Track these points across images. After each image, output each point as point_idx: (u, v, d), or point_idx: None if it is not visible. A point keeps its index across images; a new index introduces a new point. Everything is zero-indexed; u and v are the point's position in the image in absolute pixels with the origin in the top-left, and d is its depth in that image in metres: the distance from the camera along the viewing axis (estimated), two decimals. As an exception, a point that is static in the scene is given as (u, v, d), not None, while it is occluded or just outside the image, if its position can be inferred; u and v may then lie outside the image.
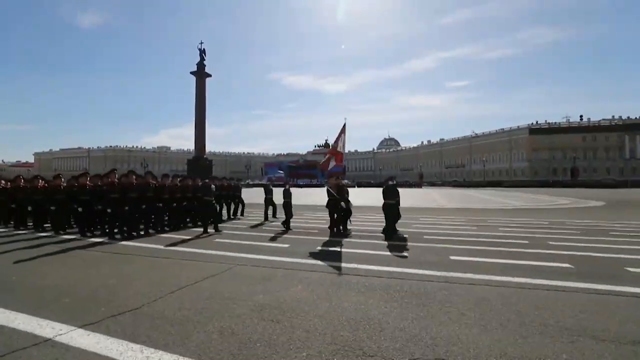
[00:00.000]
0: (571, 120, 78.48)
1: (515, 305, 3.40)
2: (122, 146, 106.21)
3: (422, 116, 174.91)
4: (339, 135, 8.80)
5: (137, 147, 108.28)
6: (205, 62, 28.43)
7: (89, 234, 7.93)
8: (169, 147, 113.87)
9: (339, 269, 4.89)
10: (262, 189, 12.21)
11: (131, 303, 3.44)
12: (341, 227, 8.41)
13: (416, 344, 2.60)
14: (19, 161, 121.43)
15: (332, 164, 8.75)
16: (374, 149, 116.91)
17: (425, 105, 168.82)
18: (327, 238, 7.58)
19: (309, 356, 2.42)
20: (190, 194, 9.52)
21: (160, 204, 8.73)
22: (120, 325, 2.93)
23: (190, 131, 29.42)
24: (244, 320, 3.04)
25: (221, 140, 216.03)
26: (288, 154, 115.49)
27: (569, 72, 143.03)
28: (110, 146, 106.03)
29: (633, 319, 3.06)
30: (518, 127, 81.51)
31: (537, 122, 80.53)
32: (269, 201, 11.63)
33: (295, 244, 6.85)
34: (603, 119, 75.84)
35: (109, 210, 7.78)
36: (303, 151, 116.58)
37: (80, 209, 8.21)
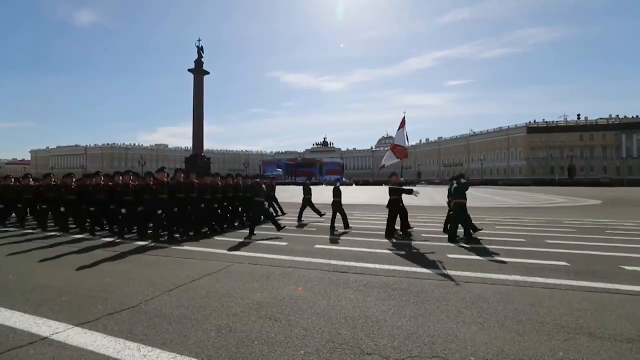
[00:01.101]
0: (569, 119, 78.82)
1: (512, 303, 3.41)
2: (119, 144, 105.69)
3: (420, 115, 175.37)
4: (400, 130, 8.69)
5: (134, 144, 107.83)
6: (203, 60, 28.35)
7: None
8: (167, 145, 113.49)
9: (337, 267, 4.90)
10: (301, 188, 11.14)
11: (128, 301, 3.43)
12: (399, 229, 7.84)
13: (414, 342, 2.61)
14: (15, 159, 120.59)
15: (393, 160, 8.60)
16: (372, 148, 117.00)
17: (423, 104, 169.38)
18: (410, 241, 6.99)
19: (307, 354, 2.42)
20: (231, 194, 8.92)
21: (202, 204, 7.98)
22: (118, 323, 2.92)
23: (187, 129, 29.55)
24: (241, 318, 3.04)
25: (219, 139, 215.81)
26: (286, 152, 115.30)
27: (566, 71, 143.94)
28: (108, 144, 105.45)
29: (628, 317, 3.08)
30: (516, 125, 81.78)
31: (534, 121, 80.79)
32: (307, 201, 10.73)
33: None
34: (600, 118, 76.20)
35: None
36: (301, 149, 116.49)
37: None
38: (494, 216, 12.07)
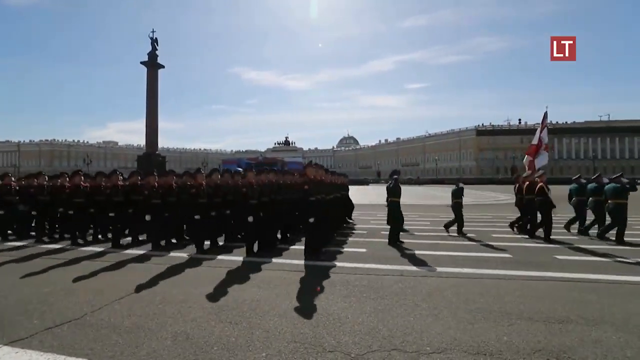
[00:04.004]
0: (512, 123, 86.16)
1: (464, 294, 3.65)
2: (60, 140, 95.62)
3: (381, 116, 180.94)
4: (541, 127, 8.75)
5: (79, 141, 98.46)
6: (157, 52, 26.79)
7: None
8: (117, 142, 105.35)
9: (300, 267, 4.89)
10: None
11: (71, 313, 3.13)
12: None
13: (374, 336, 2.69)
14: None
15: (544, 159, 8.62)
16: (333, 147, 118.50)
17: (384, 105, 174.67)
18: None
19: (268, 356, 2.39)
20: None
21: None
22: (57, 338, 2.66)
23: (141, 125, 27.49)
24: (200, 323, 2.92)
25: (176, 136, 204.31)
26: (247, 151, 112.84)
27: (512, 79, 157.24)
28: (46, 140, 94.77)
29: (559, 301, 3.45)
30: (467, 128, 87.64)
31: (483, 124, 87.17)
32: (457, 207, 9.96)
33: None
34: (537, 123, 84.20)
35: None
36: (263, 148, 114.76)
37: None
38: (448, 214, 12.81)
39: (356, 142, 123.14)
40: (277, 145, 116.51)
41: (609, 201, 6.95)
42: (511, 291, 3.78)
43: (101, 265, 4.96)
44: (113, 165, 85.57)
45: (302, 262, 5.13)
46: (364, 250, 6.07)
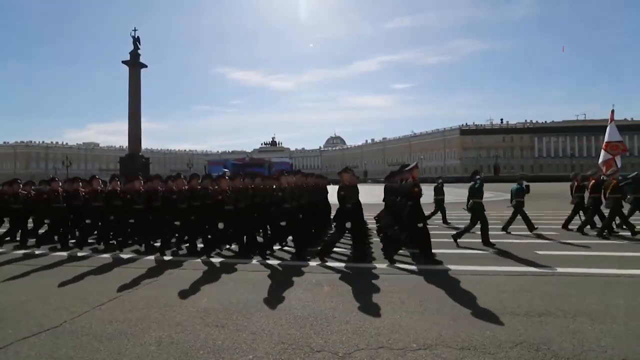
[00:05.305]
0: (494, 122, 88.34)
1: (449, 291, 3.72)
2: (37, 142, 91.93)
3: (368, 116, 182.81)
4: (610, 125, 8.63)
5: (57, 143, 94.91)
6: (139, 51, 26.19)
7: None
8: (98, 144, 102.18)
9: (288, 267, 4.87)
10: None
11: (49, 321, 3.02)
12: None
13: (361, 335, 2.71)
14: None
15: (608, 157, 8.52)
16: (320, 147, 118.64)
17: (370, 105, 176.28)
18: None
19: (255, 358, 2.37)
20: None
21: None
22: (34, 347, 2.56)
23: (124, 126, 26.84)
24: (185, 327, 2.87)
25: (161, 137, 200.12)
26: (233, 152, 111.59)
27: (494, 79, 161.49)
28: (22, 141, 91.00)
29: (539, 295, 3.56)
30: (451, 128, 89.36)
31: (466, 124, 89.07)
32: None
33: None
34: (518, 122, 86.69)
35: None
36: (249, 149, 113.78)
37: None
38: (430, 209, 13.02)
39: (343, 142, 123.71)
40: (263, 145, 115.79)
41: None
42: (494, 287, 3.87)
43: (81, 271, 4.80)
44: (94, 167, 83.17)
45: (286, 263, 5.11)
46: (350, 250, 6.09)
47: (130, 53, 25.84)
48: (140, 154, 25.89)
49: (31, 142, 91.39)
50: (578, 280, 4.13)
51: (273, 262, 5.18)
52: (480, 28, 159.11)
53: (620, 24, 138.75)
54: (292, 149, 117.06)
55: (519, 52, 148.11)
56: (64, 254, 6.02)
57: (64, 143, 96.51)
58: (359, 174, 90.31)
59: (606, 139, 9.39)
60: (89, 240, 6.84)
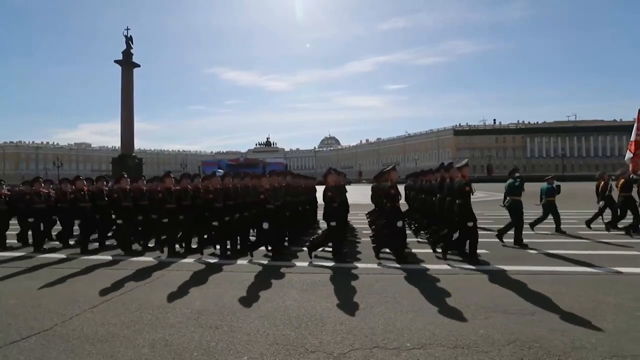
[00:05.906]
0: (487, 123, 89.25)
1: (444, 290, 3.75)
2: (27, 142, 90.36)
3: (362, 116, 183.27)
4: (636, 126, 8.56)
5: (48, 143, 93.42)
6: (132, 51, 25.95)
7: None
8: (90, 144, 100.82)
9: (279, 268, 4.86)
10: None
11: (39, 325, 2.98)
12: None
13: (355, 335, 2.71)
14: None
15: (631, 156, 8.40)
16: (315, 148, 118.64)
17: (364, 106, 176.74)
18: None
19: (250, 359, 2.37)
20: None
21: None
22: (23, 352, 2.52)
23: (116, 127, 26.55)
24: (179, 329, 2.85)
25: (154, 137, 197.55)
26: (228, 152, 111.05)
27: (487, 80, 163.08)
28: (11, 142, 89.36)
29: (531, 294, 3.60)
30: (445, 128, 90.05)
31: (460, 124, 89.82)
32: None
33: None
34: (511, 123, 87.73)
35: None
36: (244, 149, 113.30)
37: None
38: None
39: (337, 142, 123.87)
40: (258, 146, 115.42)
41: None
42: (488, 286, 3.91)
43: (71, 272, 4.74)
44: (86, 167, 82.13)
45: (279, 263, 5.10)
46: (345, 250, 6.10)
47: (122, 52, 25.61)
48: (133, 154, 25.66)
49: (21, 142, 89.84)
50: (570, 278, 4.19)
51: (265, 262, 5.16)
52: (474, 29, 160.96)
53: (613, 25, 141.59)
54: (287, 149, 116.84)
55: (512, 53, 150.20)
56: (50, 255, 5.93)
57: (55, 143, 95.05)
58: (354, 175, 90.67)
59: (632, 138, 9.43)
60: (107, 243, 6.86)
